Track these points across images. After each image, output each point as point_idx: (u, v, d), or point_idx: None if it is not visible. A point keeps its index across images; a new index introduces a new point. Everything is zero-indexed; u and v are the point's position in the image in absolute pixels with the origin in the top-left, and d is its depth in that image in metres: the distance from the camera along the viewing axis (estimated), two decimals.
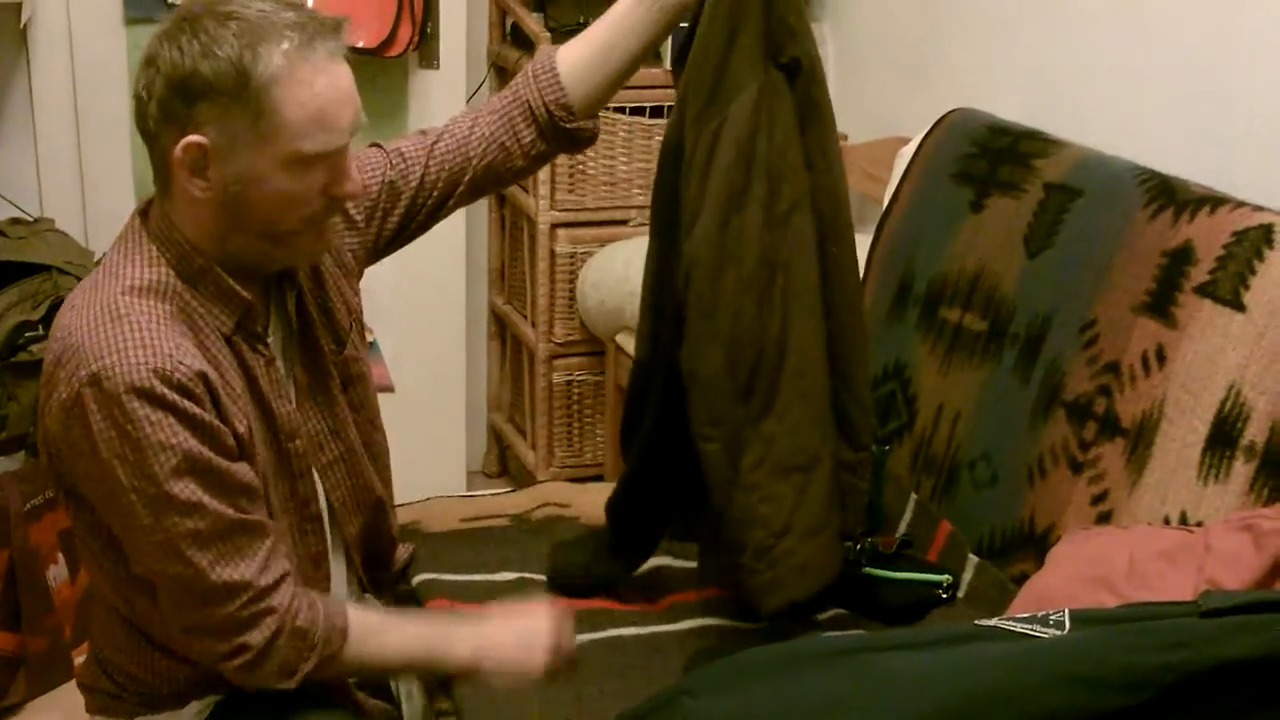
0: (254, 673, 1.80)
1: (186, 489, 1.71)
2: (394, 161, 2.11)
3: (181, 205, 1.78)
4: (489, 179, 2.18)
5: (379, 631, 1.90)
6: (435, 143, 2.13)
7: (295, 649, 1.80)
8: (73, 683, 2.98)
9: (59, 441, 1.76)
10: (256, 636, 1.77)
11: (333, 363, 2.00)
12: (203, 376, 1.73)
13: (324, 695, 1.95)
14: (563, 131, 2.16)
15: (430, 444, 3.69)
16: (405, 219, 2.13)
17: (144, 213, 1.85)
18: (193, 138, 1.71)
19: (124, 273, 1.78)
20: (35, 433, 2.56)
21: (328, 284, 2.01)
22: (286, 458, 1.91)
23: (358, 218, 2.07)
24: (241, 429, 1.79)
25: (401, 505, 2.64)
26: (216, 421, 1.75)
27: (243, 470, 1.78)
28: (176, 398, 1.69)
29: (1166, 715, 1.50)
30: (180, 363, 1.71)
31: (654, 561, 2.44)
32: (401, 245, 2.19)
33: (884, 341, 2.79)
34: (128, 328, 1.70)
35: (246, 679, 1.81)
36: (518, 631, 1.94)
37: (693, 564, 2.43)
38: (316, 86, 1.74)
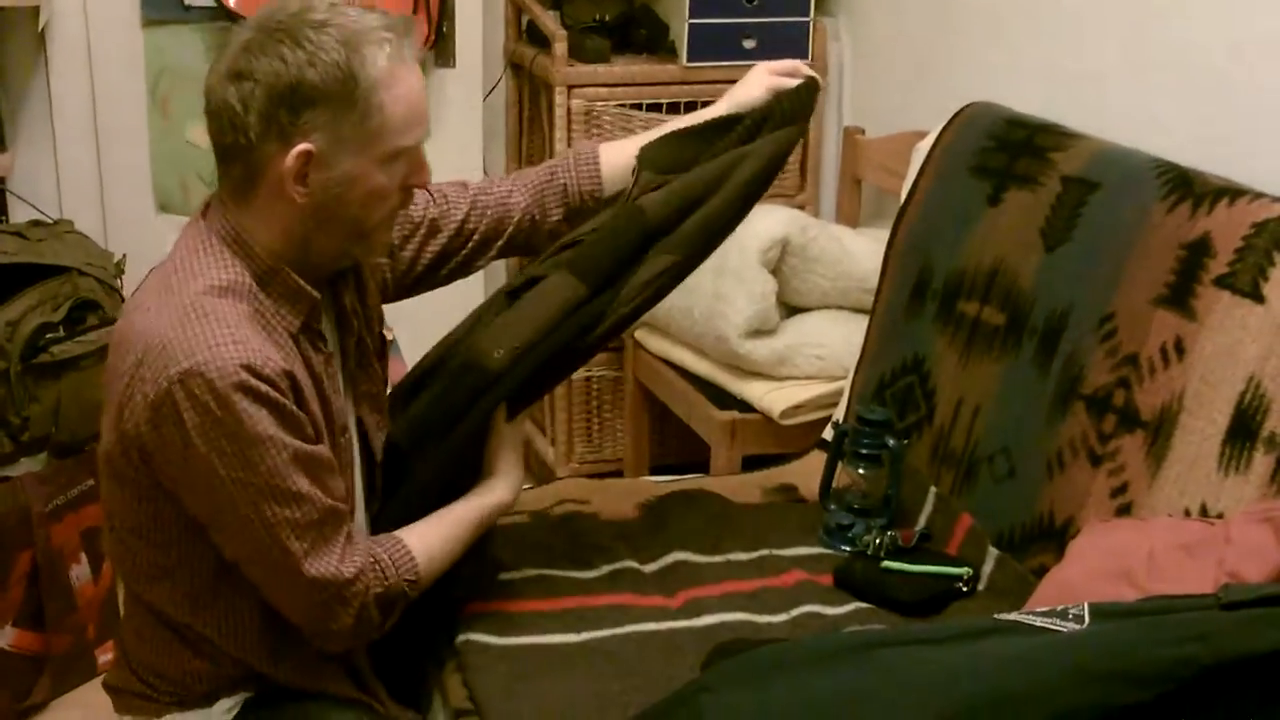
0: (344, 644, 1.94)
1: (285, 479, 1.77)
2: (436, 200, 2.18)
3: (264, 211, 1.82)
4: (513, 246, 2.28)
5: (438, 549, 2.01)
6: (477, 195, 2.22)
7: (381, 610, 1.92)
8: (97, 681, 3.01)
9: (148, 441, 1.78)
10: (340, 622, 1.88)
11: (364, 380, 2.06)
12: (288, 374, 1.79)
13: (351, 699, 2.00)
14: (586, 216, 2.25)
15: None
16: (438, 259, 2.21)
17: (204, 216, 1.88)
18: (303, 146, 1.76)
19: (201, 274, 1.80)
20: (56, 434, 2.60)
21: (368, 291, 2.06)
22: (337, 453, 1.95)
23: (394, 241, 2.13)
24: (309, 431, 1.84)
25: None
26: (301, 413, 1.81)
27: (325, 451, 1.86)
28: (268, 390, 1.75)
29: (1187, 709, 1.50)
30: (269, 359, 1.76)
31: (672, 555, 2.44)
32: (424, 289, 2.26)
33: (902, 335, 2.79)
34: (217, 325, 1.74)
35: (335, 648, 1.95)
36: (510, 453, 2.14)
37: (711, 559, 2.43)
38: (411, 84, 1.82)
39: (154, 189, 3.50)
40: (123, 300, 3.28)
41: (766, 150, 2.26)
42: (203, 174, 3.56)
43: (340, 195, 1.80)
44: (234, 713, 1.96)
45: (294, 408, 1.79)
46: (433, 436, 2.15)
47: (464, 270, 2.26)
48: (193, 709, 1.97)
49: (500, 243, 2.24)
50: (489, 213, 2.22)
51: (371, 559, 1.91)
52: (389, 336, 3.54)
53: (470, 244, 2.22)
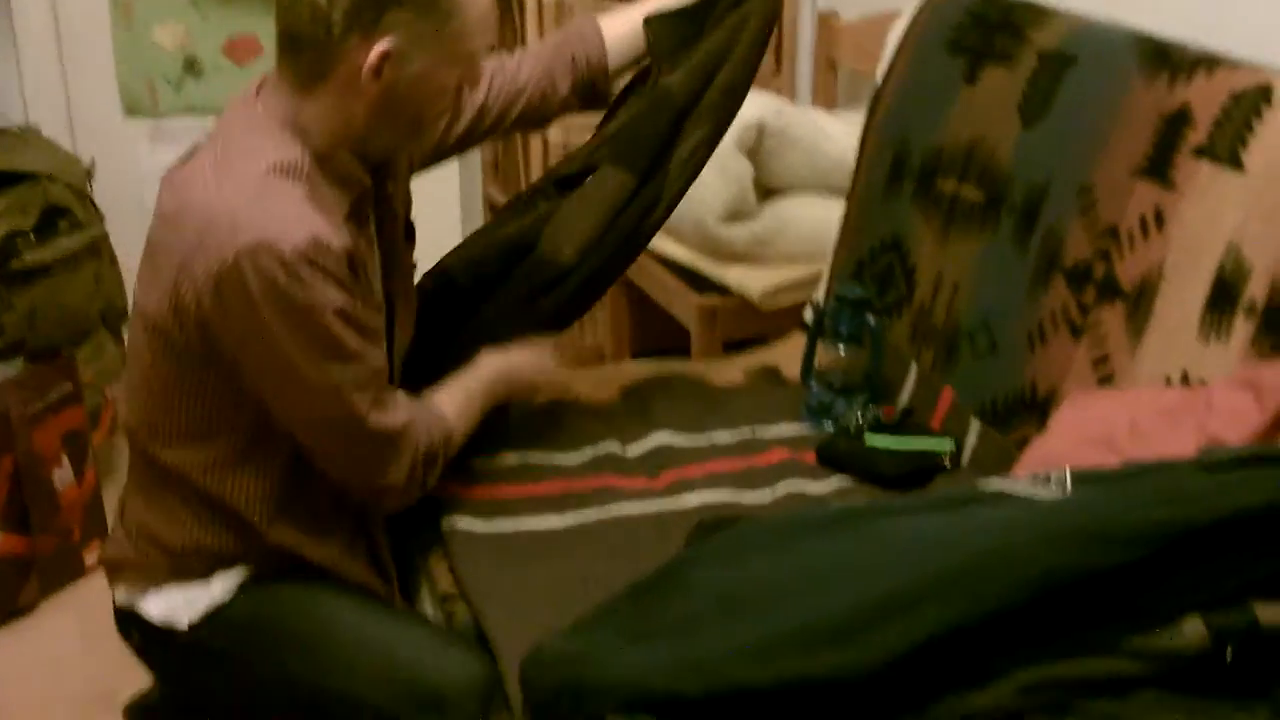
0: (401, 500, 2.02)
1: (346, 340, 1.84)
2: None
3: (330, 101, 1.86)
4: (524, 120, 2.36)
5: (464, 414, 2.12)
6: (493, 74, 2.27)
7: (426, 465, 2.01)
8: (85, 582, 3.04)
9: (210, 311, 1.81)
10: (397, 474, 1.97)
11: (398, 256, 2.11)
12: (348, 253, 1.84)
13: (348, 583, 2.04)
14: (592, 92, 2.38)
15: None
16: (464, 135, 2.28)
17: (259, 98, 1.91)
18: (384, 44, 1.80)
19: (261, 152, 1.84)
20: (34, 339, 2.58)
21: (401, 175, 2.12)
22: None
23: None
24: (363, 297, 1.91)
25: None
26: (356, 286, 1.87)
27: (374, 319, 1.93)
28: (332, 265, 1.80)
29: (1168, 570, 1.51)
30: (332, 237, 1.81)
31: (655, 437, 2.44)
32: (445, 159, 2.33)
33: (880, 215, 2.78)
34: (284, 201, 1.80)
35: (397, 506, 2.04)
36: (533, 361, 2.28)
37: (694, 440, 2.44)
38: None
39: (120, 92, 3.47)
40: (94, 205, 3.26)
41: (762, 5, 2.36)
42: (169, 76, 3.52)
43: (408, 92, 1.86)
44: (233, 590, 1.99)
45: (351, 281, 1.85)
46: (505, 337, 2.28)
47: (478, 143, 2.36)
48: (191, 581, 1.99)
49: (514, 116, 2.32)
50: (504, 90, 2.29)
51: (417, 413, 2.00)
52: None
53: (487, 120, 2.29)
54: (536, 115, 2.36)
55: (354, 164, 1.91)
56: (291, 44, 1.86)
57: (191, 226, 1.81)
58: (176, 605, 1.98)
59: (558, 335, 2.37)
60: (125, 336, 3.33)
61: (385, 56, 1.80)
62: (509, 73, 2.30)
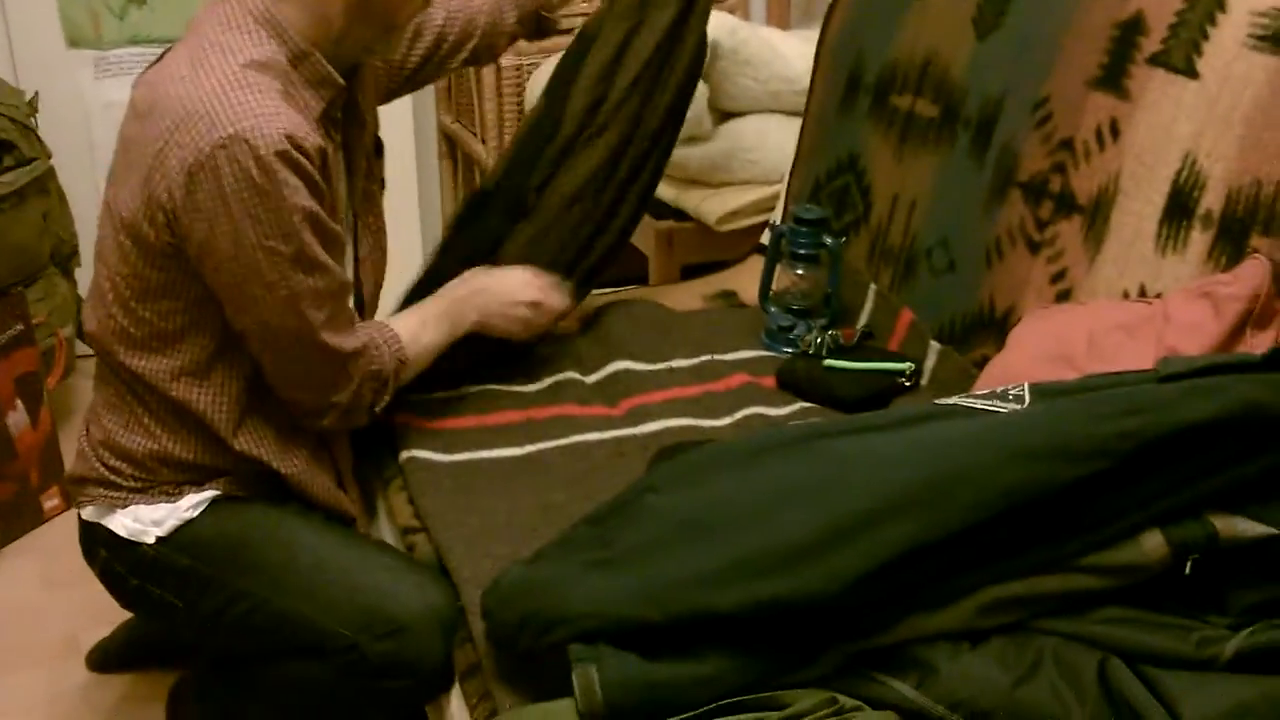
0: (342, 421, 2.02)
1: (313, 249, 1.83)
2: None
3: (309, 2, 1.86)
4: (476, 52, 2.39)
5: (419, 339, 2.11)
6: (449, 2, 2.30)
7: (374, 390, 2.02)
8: (45, 527, 3.01)
9: (180, 204, 1.80)
10: (344, 395, 1.98)
11: (373, 164, 2.13)
12: (321, 151, 1.83)
13: (316, 506, 2.07)
14: (538, 23, 2.45)
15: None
16: (421, 62, 2.30)
17: None
18: None
19: (239, 49, 1.83)
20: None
21: (369, 94, 2.13)
22: None
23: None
24: (328, 201, 1.90)
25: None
26: (325, 189, 1.86)
27: (339, 229, 1.92)
28: (306, 163, 1.79)
29: (1127, 482, 1.50)
30: (308, 134, 1.80)
31: (613, 365, 2.43)
32: (403, 93, 2.35)
33: (836, 134, 2.75)
34: (260, 95, 1.78)
35: (337, 426, 2.03)
36: (519, 288, 2.26)
37: (653, 366, 2.42)
38: None
39: (62, 23, 3.40)
40: (40, 140, 3.20)
41: None
42: (112, 5, 3.46)
43: None
44: (201, 508, 1.99)
45: (323, 183, 1.84)
46: None
47: (437, 74, 2.37)
48: (158, 500, 1.98)
49: (470, 46, 2.35)
50: (459, 17, 2.31)
51: (369, 334, 2.01)
52: None
53: (444, 47, 2.32)
54: (487, 46, 2.39)
55: (328, 67, 1.90)
56: None
57: (167, 119, 1.80)
58: (144, 523, 1.97)
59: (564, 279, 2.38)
60: (76, 274, 3.30)
61: None
62: (462, 2, 2.32)
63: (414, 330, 2.10)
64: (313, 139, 1.81)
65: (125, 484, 1.99)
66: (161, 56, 1.94)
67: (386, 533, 2.18)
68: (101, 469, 2.00)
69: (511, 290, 2.25)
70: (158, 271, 1.88)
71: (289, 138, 1.76)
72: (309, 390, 1.97)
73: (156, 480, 1.98)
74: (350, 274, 2.09)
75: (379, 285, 2.23)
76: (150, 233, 1.85)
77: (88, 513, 2.03)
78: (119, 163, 1.91)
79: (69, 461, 2.62)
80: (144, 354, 1.94)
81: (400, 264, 3.65)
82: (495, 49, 2.43)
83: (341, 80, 1.93)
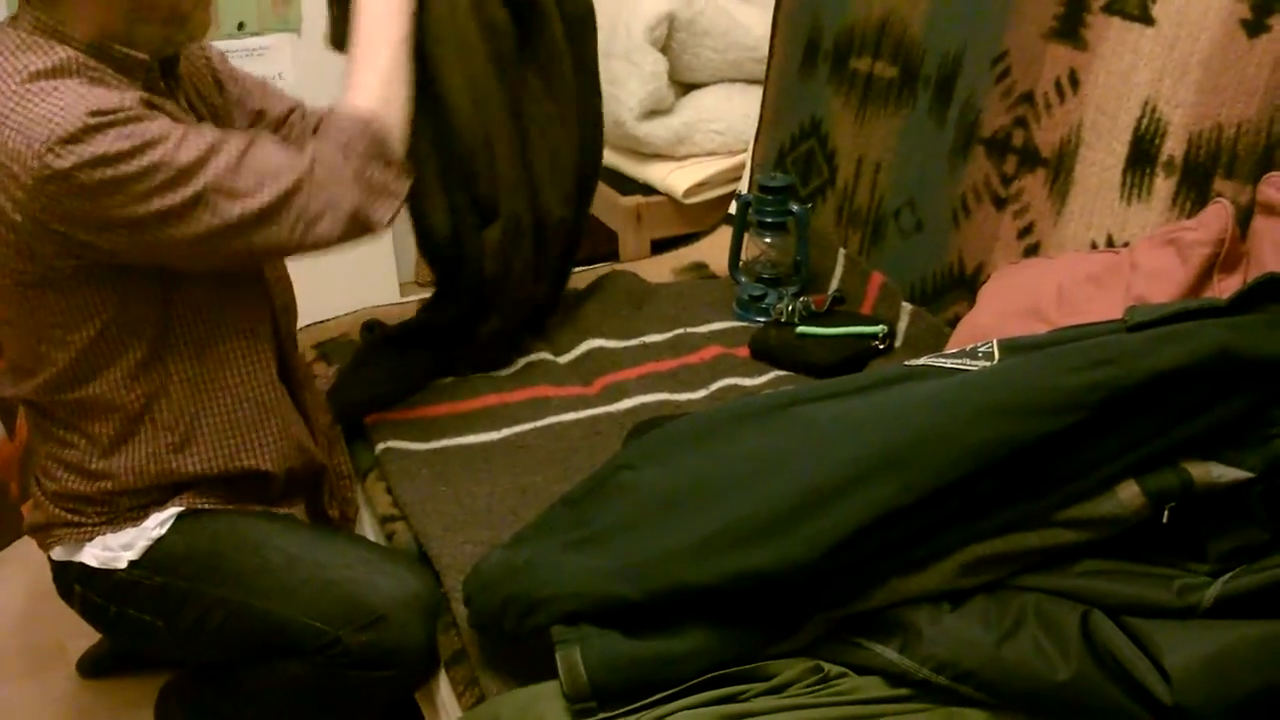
0: (382, 213, 1.90)
1: (195, 143, 1.74)
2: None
3: (78, 7, 1.76)
4: None
5: (375, 80, 1.95)
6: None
7: (380, 164, 1.89)
8: (27, 539, 2.99)
9: (52, 221, 1.72)
10: (349, 200, 1.85)
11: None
12: (142, 100, 1.75)
13: (279, 514, 2.02)
14: None
15: (359, 257, 3.62)
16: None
17: (13, 22, 1.80)
18: None
19: (25, 64, 1.74)
20: None
21: (205, 88, 2.02)
22: None
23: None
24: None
25: (331, 319, 2.62)
26: (163, 113, 1.77)
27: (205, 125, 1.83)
28: (124, 113, 1.70)
29: (1100, 433, 1.49)
30: (111, 97, 1.71)
31: (586, 344, 2.42)
32: None
33: (797, 100, 2.74)
34: (55, 95, 1.70)
35: (389, 223, 1.91)
36: None
37: (627, 343, 2.42)
38: None
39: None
40: None
41: None
42: None
43: None
44: (167, 525, 1.96)
45: (156, 112, 1.76)
46: None
47: None
48: (124, 526, 1.96)
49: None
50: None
51: (325, 139, 1.88)
52: None
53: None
54: None
55: (124, 53, 1.79)
56: None
57: None
58: (114, 549, 1.95)
59: None
60: None
61: None
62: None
63: (362, 79, 1.96)
64: (124, 96, 1.72)
65: (88, 520, 1.96)
66: None
67: (367, 523, 2.18)
68: (61, 513, 1.97)
69: None
70: (65, 294, 1.82)
71: (96, 111, 1.67)
72: (315, 226, 1.84)
73: (118, 510, 1.95)
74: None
75: (282, 283, 2.11)
76: (38, 267, 1.78)
77: (56, 553, 2.00)
78: None
79: None
80: (82, 384, 1.88)
81: (370, 247, 3.62)
82: None
83: (142, 56, 1.81)
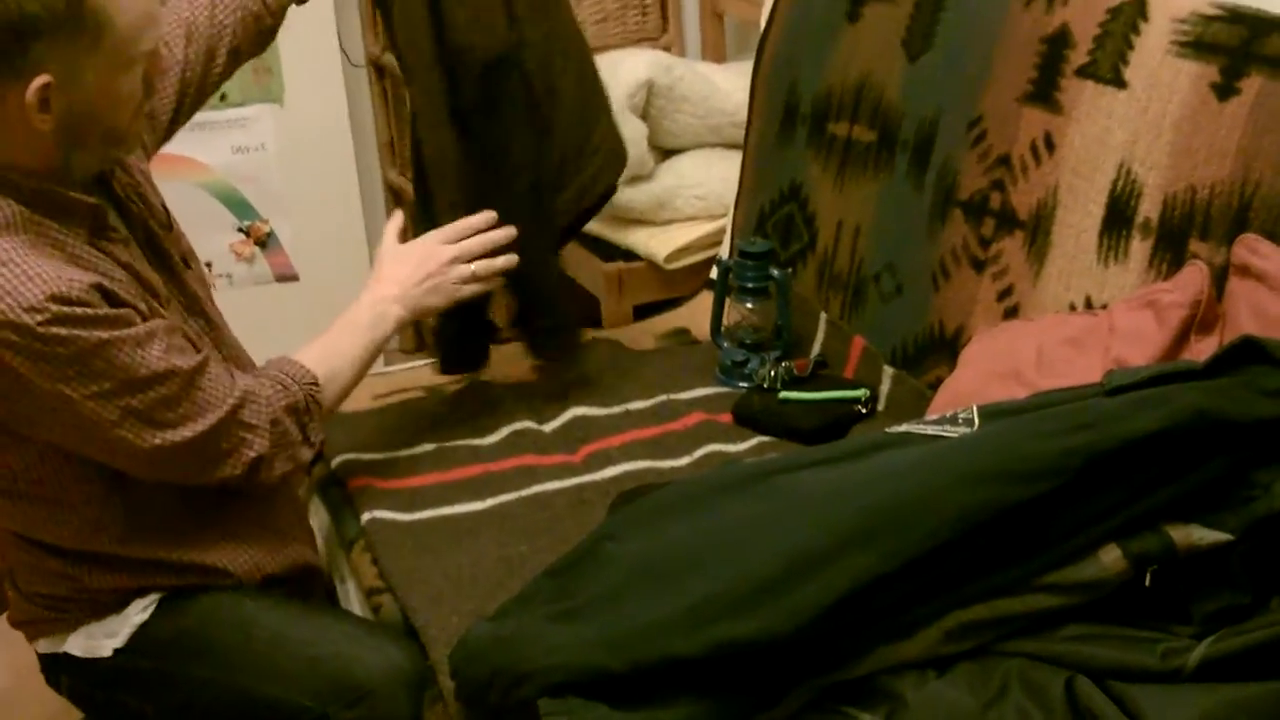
0: (278, 469, 1.93)
1: (139, 367, 1.73)
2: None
3: (13, 141, 1.72)
4: (235, 57, 2.19)
5: (332, 355, 2.04)
6: (189, 23, 2.12)
7: (296, 424, 1.94)
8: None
9: None
10: (259, 445, 1.88)
11: (167, 242, 1.99)
12: (96, 287, 1.72)
13: (263, 584, 2.01)
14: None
15: None
16: (179, 100, 2.12)
17: None
18: (39, 80, 1.66)
19: None
20: None
21: (133, 171, 1.99)
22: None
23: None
24: (143, 308, 1.80)
25: None
26: (123, 310, 1.75)
27: (161, 321, 1.81)
28: (84, 310, 1.68)
29: (1080, 498, 1.51)
30: (72, 280, 1.68)
31: (570, 412, 2.43)
32: (177, 128, 2.17)
33: (777, 164, 2.76)
34: (5, 269, 1.66)
35: (278, 479, 1.94)
36: (417, 264, 2.16)
37: (610, 410, 2.43)
38: None
39: None
40: None
41: None
42: None
43: (87, 110, 1.72)
44: (150, 610, 1.95)
45: (114, 311, 1.73)
46: None
47: (202, 96, 2.18)
48: (106, 616, 1.95)
49: (221, 59, 2.16)
50: (201, 37, 2.13)
51: (258, 375, 1.94)
52: (265, 229, 3.51)
53: (194, 75, 2.13)
54: (248, 45, 2.21)
55: (69, 194, 1.77)
56: None
57: None
58: (98, 638, 1.95)
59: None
60: None
61: (46, 88, 1.66)
62: (203, 18, 2.13)
63: (324, 354, 2.03)
64: (80, 282, 1.69)
65: (70, 613, 1.95)
66: None
67: (353, 595, 2.17)
68: (41, 611, 1.96)
69: (430, 250, 2.18)
70: (6, 454, 1.82)
71: (53, 298, 1.65)
72: (222, 468, 1.87)
73: (98, 602, 1.94)
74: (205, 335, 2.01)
75: (239, 360, 2.09)
76: None
77: (41, 645, 2.00)
78: None
79: None
80: (44, 527, 1.88)
81: None
82: (260, 45, 2.23)
83: (92, 200, 1.80)
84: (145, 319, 1.79)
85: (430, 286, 2.16)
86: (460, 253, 2.19)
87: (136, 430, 1.76)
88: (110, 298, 1.74)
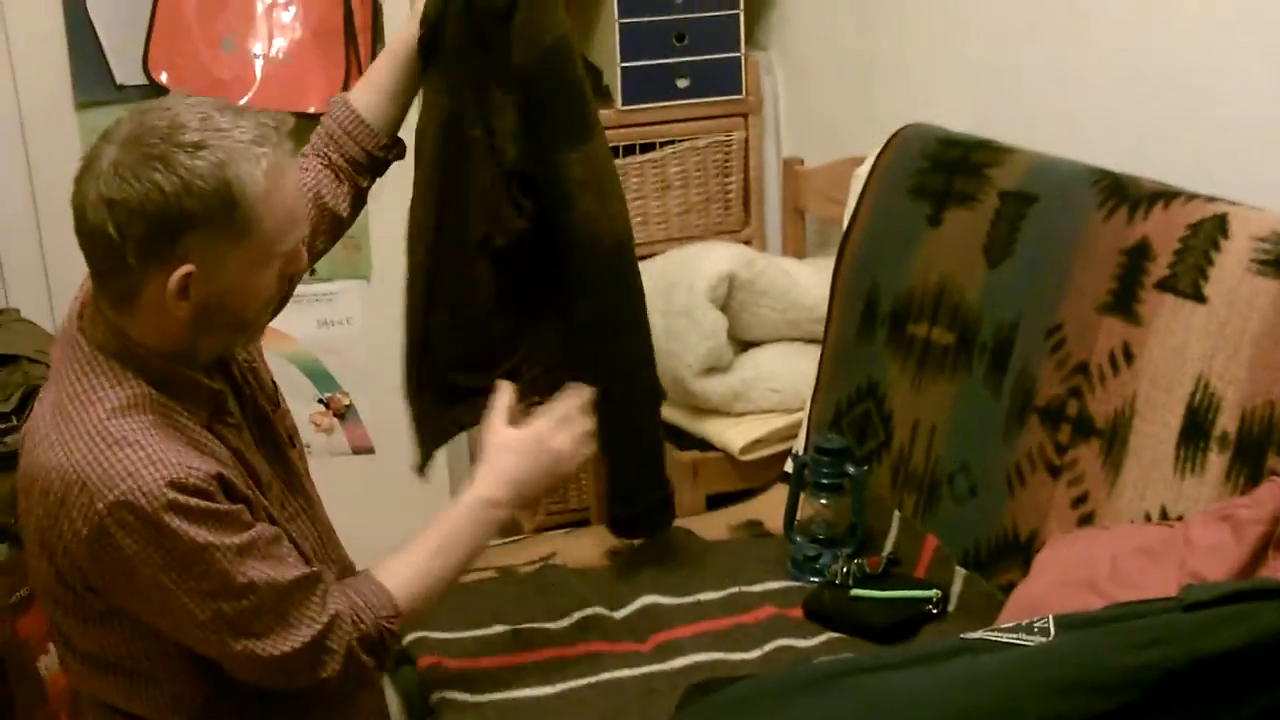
0: (350, 683, 1.92)
1: (236, 575, 1.76)
2: None
3: (148, 322, 1.79)
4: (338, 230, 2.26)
5: (424, 576, 1.99)
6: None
7: (370, 652, 1.91)
8: None
9: (90, 573, 1.77)
10: (331, 668, 1.86)
11: (275, 420, 2.04)
12: (217, 477, 1.76)
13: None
14: (382, 163, 2.30)
15: (415, 503, 3.64)
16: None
17: (82, 330, 1.84)
18: (183, 269, 1.73)
19: (99, 397, 1.77)
20: (16, 524, 2.57)
21: (250, 349, 2.06)
22: (270, 501, 1.94)
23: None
24: (250, 495, 1.84)
25: None
26: (237, 505, 1.79)
27: (265, 530, 1.83)
28: (199, 502, 1.72)
29: (1154, 714, 1.50)
30: (191, 469, 1.73)
31: (641, 600, 2.43)
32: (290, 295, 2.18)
33: (855, 362, 2.79)
34: (131, 450, 1.72)
35: (346, 687, 1.92)
36: (533, 456, 2.12)
37: (681, 600, 2.43)
38: (286, 189, 1.79)
39: None
40: None
41: None
42: None
43: (223, 302, 1.78)
44: None
45: (229, 505, 1.77)
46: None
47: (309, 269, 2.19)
48: None
49: (324, 238, 2.22)
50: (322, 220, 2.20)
51: (348, 604, 1.91)
52: (345, 401, 3.56)
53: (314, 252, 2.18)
54: (335, 228, 2.25)
55: (195, 378, 1.84)
56: (98, 273, 1.79)
57: (51, 492, 1.75)
58: None
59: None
60: None
61: (188, 278, 1.73)
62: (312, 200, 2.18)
63: (412, 570, 1.99)
64: (200, 471, 1.74)
65: None
66: (37, 402, 1.88)
67: None
68: None
69: (542, 434, 2.14)
70: (96, 626, 1.85)
71: (172, 484, 1.70)
72: (293, 680, 1.87)
73: None
74: (306, 521, 2.05)
75: (332, 541, 2.14)
76: (72, 600, 1.82)
77: None
78: (23, 534, 1.88)
79: None
80: (128, 699, 1.90)
81: (426, 494, 3.65)
82: (340, 223, 2.25)
83: (216, 384, 1.88)
84: (252, 511, 1.83)
85: (545, 475, 2.13)
86: (575, 437, 2.16)
87: (221, 634, 1.79)
88: (229, 489, 1.79)
